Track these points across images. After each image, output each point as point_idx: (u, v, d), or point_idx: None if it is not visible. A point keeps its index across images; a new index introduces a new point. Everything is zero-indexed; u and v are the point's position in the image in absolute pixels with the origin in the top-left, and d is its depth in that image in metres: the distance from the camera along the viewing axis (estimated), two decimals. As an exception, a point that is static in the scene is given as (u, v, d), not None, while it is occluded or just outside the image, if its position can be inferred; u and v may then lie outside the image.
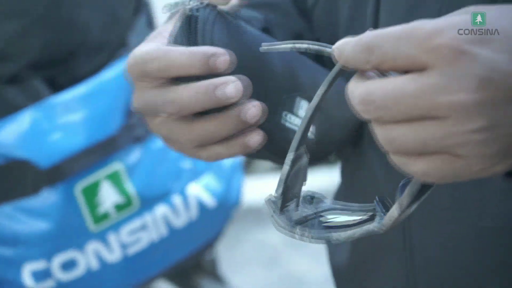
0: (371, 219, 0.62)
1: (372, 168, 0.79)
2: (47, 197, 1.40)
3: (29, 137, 1.39)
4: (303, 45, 0.62)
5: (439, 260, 0.75)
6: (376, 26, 0.74)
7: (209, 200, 1.52)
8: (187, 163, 1.50)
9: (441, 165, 0.53)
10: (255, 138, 0.69)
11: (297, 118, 0.73)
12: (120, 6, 1.50)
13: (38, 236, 1.40)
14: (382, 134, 0.54)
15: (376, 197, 0.63)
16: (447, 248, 0.74)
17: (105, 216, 1.44)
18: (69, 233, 1.42)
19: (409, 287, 0.77)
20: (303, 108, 0.74)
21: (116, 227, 1.45)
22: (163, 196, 1.48)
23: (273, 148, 0.72)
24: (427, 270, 0.76)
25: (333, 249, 0.90)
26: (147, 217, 1.47)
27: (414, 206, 0.58)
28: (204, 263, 1.80)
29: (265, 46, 0.64)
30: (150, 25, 1.59)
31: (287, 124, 0.72)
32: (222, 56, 0.66)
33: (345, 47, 0.55)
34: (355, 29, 0.77)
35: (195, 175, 1.51)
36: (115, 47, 1.50)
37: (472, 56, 0.50)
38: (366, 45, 0.53)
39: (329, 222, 0.64)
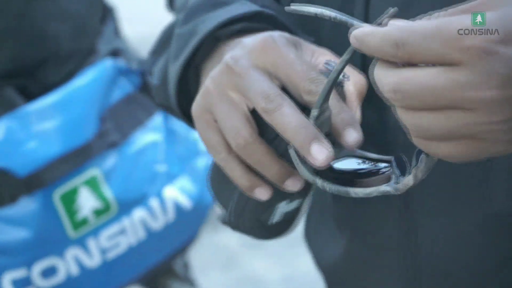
0: (386, 177, 0.65)
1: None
2: (26, 205, 1.40)
3: (5, 146, 1.39)
4: (332, 13, 0.62)
5: (443, 255, 0.76)
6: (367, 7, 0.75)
7: (185, 202, 1.53)
8: (161, 167, 1.52)
9: (464, 148, 0.57)
10: (263, 192, 0.70)
11: None
12: (88, 15, 1.51)
13: (17, 245, 1.40)
14: (409, 119, 0.57)
15: (393, 157, 0.66)
16: (452, 242, 0.75)
17: (84, 221, 1.45)
18: (49, 240, 1.42)
19: (412, 283, 0.78)
20: None
21: (95, 232, 1.46)
22: (140, 200, 1.49)
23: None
24: (431, 265, 0.76)
25: (322, 249, 0.89)
26: (126, 221, 1.48)
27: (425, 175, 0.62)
28: (176, 267, 1.81)
29: (292, 7, 0.64)
30: (117, 33, 1.60)
31: None
32: (357, 134, 0.67)
33: (369, 39, 0.57)
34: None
35: (170, 178, 1.52)
36: (84, 54, 1.51)
37: (498, 56, 0.54)
38: (395, 41, 0.56)
39: (345, 171, 0.67)
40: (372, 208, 0.79)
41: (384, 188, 0.64)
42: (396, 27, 0.56)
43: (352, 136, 0.67)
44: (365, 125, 0.71)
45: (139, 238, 1.50)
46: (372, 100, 0.73)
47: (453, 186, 0.74)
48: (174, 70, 0.77)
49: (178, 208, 1.53)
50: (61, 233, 1.43)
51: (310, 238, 0.93)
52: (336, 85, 0.66)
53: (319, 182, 0.66)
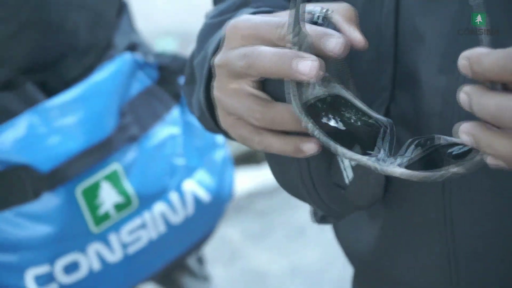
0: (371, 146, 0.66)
1: None
2: (49, 201, 1.40)
3: (27, 142, 1.38)
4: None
5: (480, 234, 0.76)
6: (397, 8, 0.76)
7: (204, 196, 1.54)
8: (180, 160, 1.52)
9: None
10: (310, 146, 0.70)
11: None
12: (105, 8, 1.51)
13: (40, 241, 1.40)
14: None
15: (389, 123, 0.67)
16: (489, 222, 0.75)
17: (106, 216, 1.45)
18: (71, 235, 1.42)
19: (450, 264, 0.78)
20: None
21: (116, 227, 1.46)
22: (160, 194, 1.49)
23: None
24: (468, 245, 0.77)
25: (351, 237, 0.89)
26: (146, 215, 1.48)
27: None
28: (190, 263, 1.81)
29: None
30: (132, 26, 1.60)
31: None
32: (335, 39, 0.66)
33: (487, 59, 0.57)
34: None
35: (189, 171, 1.53)
36: (102, 48, 1.50)
37: None
38: None
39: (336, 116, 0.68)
40: (409, 188, 0.79)
41: (366, 161, 0.65)
42: None
43: (331, 42, 0.66)
44: (401, 114, 0.73)
45: (160, 232, 1.50)
46: (407, 88, 0.74)
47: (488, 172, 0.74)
48: (199, 98, 0.82)
49: (197, 201, 1.53)
50: (84, 228, 1.42)
51: (338, 227, 0.93)
52: (322, 22, 0.68)
53: (310, 126, 0.67)
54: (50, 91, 1.44)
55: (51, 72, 1.45)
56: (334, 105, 0.69)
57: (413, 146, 0.66)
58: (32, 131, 1.39)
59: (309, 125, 0.67)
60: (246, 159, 3.16)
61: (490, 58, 0.57)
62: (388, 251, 0.84)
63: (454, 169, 0.63)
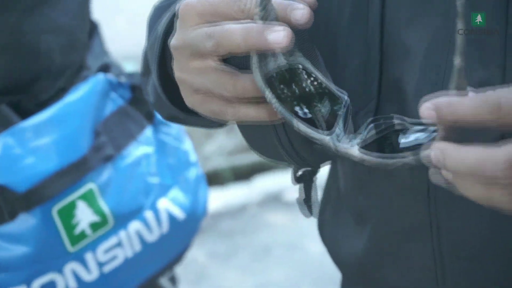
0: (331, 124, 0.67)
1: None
2: (25, 222, 1.40)
3: (2, 163, 1.39)
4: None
5: (467, 243, 0.78)
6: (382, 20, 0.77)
7: (179, 214, 1.55)
8: (154, 179, 1.53)
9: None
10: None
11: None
12: (78, 30, 1.52)
13: (17, 262, 1.40)
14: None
15: (346, 97, 0.68)
16: (475, 225, 0.77)
17: (82, 236, 1.45)
18: (48, 256, 1.42)
19: (436, 270, 0.80)
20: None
21: (92, 246, 1.46)
22: (135, 213, 1.50)
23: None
24: (455, 254, 0.79)
25: (340, 244, 0.91)
26: (122, 234, 1.49)
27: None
28: (163, 282, 1.81)
29: None
30: (103, 47, 1.61)
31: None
32: (301, 10, 0.68)
33: (459, 105, 0.56)
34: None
35: (163, 190, 1.54)
36: (75, 70, 1.51)
37: None
38: (495, 104, 0.55)
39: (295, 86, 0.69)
40: (397, 195, 0.81)
41: (324, 137, 0.66)
42: (491, 92, 0.55)
43: (298, 12, 0.68)
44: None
45: (135, 250, 1.50)
46: (392, 99, 0.76)
47: None
48: (154, 81, 0.81)
49: (172, 220, 1.54)
50: (60, 248, 1.43)
51: (325, 234, 0.95)
52: None
53: (268, 94, 0.67)
54: (24, 113, 1.44)
55: (25, 94, 1.46)
56: (295, 77, 0.70)
57: (372, 125, 0.67)
58: (7, 152, 1.39)
59: (269, 96, 0.67)
60: (209, 180, 3.18)
61: (463, 104, 0.55)
62: (376, 257, 0.86)
63: (405, 159, 0.64)
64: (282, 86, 0.69)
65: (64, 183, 1.42)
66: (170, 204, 1.54)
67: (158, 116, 1.56)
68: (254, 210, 3.02)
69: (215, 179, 3.15)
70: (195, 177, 1.59)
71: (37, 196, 1.40)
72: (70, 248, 1.44)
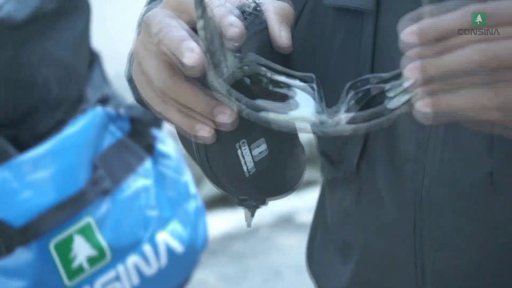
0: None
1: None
2: (22, 256, 1.40)
3: (0, 197, 1.39)
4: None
5: (451, 279, 0.78)
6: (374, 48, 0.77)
7: (177, 247, 1.54)
8: (153, 212, 1.53)
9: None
10: (203, 132, 0.69)
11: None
12: (76, 62, 1.52)
13: (14, 296, 1.40)
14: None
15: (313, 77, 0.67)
16: (460, 267, 0.77)
17: (79, 270, 1.45)
18: (45, 290, 1.42)
19: None
20: None
21: (90, 280, 1.46)
22: (134, 246, 1.50)
23: None
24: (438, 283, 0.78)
25: (326, 277, 0.91)
26: (120, 268, 1.48)
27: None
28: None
29: None
30: (104, 78, 1.61)
31: None
32: (233, 28, 0.67)
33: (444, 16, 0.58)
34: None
35: (162, 223, 1.53)
36: (73, 102, 1.52)
37: None
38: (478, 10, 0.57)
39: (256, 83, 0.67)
40: (383, 229, 0.80)
41: (308, 116, 0.65)
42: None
43: (231, 31, 0.67)
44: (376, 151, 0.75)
45: (133, 284, 1.50)
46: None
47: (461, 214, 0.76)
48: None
49: (171, 253, 1.54)
50: (58, 282, 1.43)
51: (313, 266, 0.95)
52: (250, 14, 0.68)
53: (234, 102, 0.65)
54: (22, 146, 1.45)
55: (23, 127, 1.46)
56: (256, 77, 0.68)
57: (352, 92, 0.65)
58: (4, 186, 1.39)
59: (236, 104, 0.65)
60: (220, 201, 3.17)
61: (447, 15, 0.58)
62: None
63: (396, 111, 0.63)
64: (245, 88, 0.68)
65: (61, 217, 1.42)
66: (169, 237, 1.54)
67: (158, 148, 1.56)
68: (265, 232, 3.01)
69: (225, 201, 3.16)
70: (194, 209, 1.58)
71: (34, 230, 1.40)
72: (67, 283, 1.44)
